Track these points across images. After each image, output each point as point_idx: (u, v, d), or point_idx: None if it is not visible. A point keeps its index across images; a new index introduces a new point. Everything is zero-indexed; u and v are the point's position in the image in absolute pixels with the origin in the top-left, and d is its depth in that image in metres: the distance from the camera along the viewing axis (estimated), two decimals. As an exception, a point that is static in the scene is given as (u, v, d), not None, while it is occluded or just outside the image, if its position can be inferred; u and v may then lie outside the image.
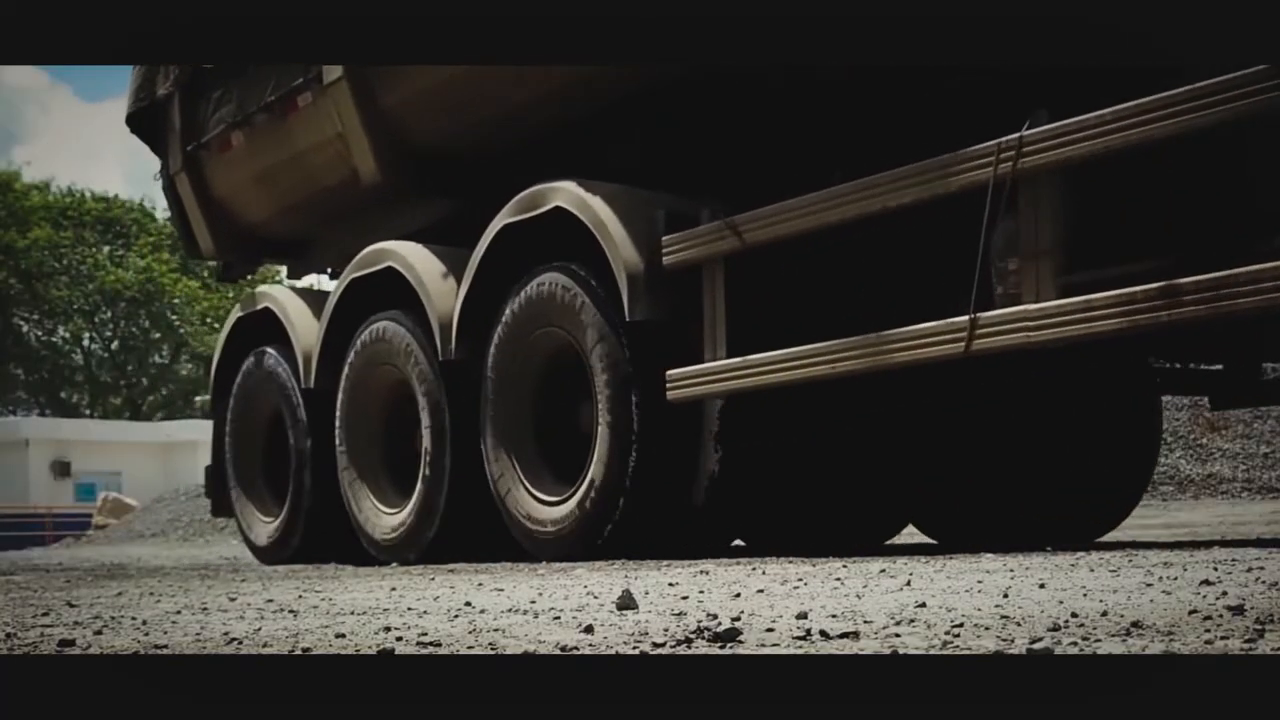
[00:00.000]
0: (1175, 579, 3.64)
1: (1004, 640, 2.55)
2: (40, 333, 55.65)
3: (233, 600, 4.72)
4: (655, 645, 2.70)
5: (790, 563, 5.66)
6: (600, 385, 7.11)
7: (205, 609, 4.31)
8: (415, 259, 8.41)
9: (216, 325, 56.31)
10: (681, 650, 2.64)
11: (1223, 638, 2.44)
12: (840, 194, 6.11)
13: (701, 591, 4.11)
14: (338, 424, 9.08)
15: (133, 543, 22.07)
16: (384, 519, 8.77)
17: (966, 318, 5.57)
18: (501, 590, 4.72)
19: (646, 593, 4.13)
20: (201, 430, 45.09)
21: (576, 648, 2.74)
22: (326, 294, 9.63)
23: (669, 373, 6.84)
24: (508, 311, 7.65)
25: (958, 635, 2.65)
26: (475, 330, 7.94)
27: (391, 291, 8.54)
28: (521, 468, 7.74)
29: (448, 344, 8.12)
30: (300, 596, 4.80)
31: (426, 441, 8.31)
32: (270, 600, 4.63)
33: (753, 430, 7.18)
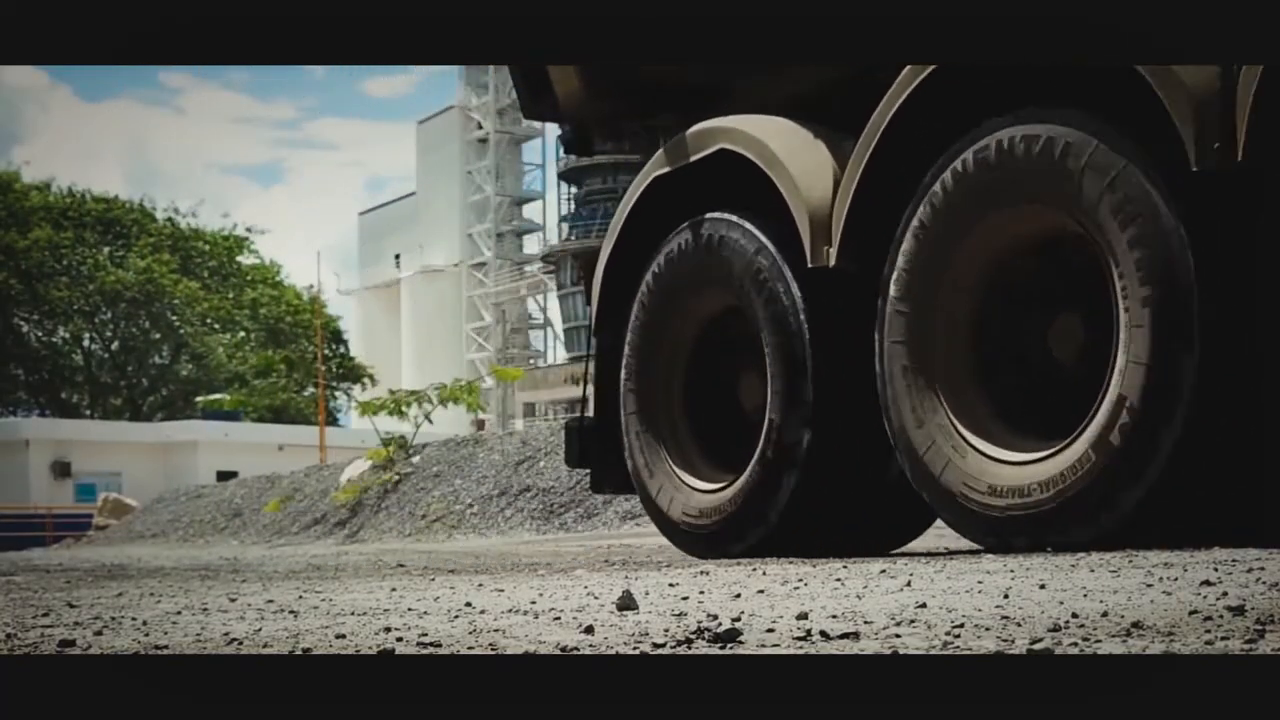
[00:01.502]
0: (1175, 579, 3.64)
1: (1004, 641, 2.55)
2: (40, 333, 55.73)
3: (233, 601, 4.72)
4: (655, 646, 2.70)
5: (790, 563, 5.66)
6: None
7: (205, 609, 4.30)
8: None
9: (216, 326, 56.50)
10: (681, 651, 2.64)
11: (1223, 638, 2.44)
12: None
13: (702, 592, 4.11)
14: (888, 321, 5.87)
15: (133, 543, 22.07)
16: (1009, 475, 5.45)
17: None
18: (502, 591, 4.72)
19: (647, 593, 4.13)
20: (201, 431, 45.36)
21: (577, 648, 2.74)
22: (839, 132, 6.35)
23: None
24: None
25: (958, 636, 2.65)
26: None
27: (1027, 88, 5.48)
28: None
29: (1210, 147, 4.84)
30: (300, 597, 4.80)
31: (1139, 339, 5.01)
32: (270, 601, 4.63)
33: None
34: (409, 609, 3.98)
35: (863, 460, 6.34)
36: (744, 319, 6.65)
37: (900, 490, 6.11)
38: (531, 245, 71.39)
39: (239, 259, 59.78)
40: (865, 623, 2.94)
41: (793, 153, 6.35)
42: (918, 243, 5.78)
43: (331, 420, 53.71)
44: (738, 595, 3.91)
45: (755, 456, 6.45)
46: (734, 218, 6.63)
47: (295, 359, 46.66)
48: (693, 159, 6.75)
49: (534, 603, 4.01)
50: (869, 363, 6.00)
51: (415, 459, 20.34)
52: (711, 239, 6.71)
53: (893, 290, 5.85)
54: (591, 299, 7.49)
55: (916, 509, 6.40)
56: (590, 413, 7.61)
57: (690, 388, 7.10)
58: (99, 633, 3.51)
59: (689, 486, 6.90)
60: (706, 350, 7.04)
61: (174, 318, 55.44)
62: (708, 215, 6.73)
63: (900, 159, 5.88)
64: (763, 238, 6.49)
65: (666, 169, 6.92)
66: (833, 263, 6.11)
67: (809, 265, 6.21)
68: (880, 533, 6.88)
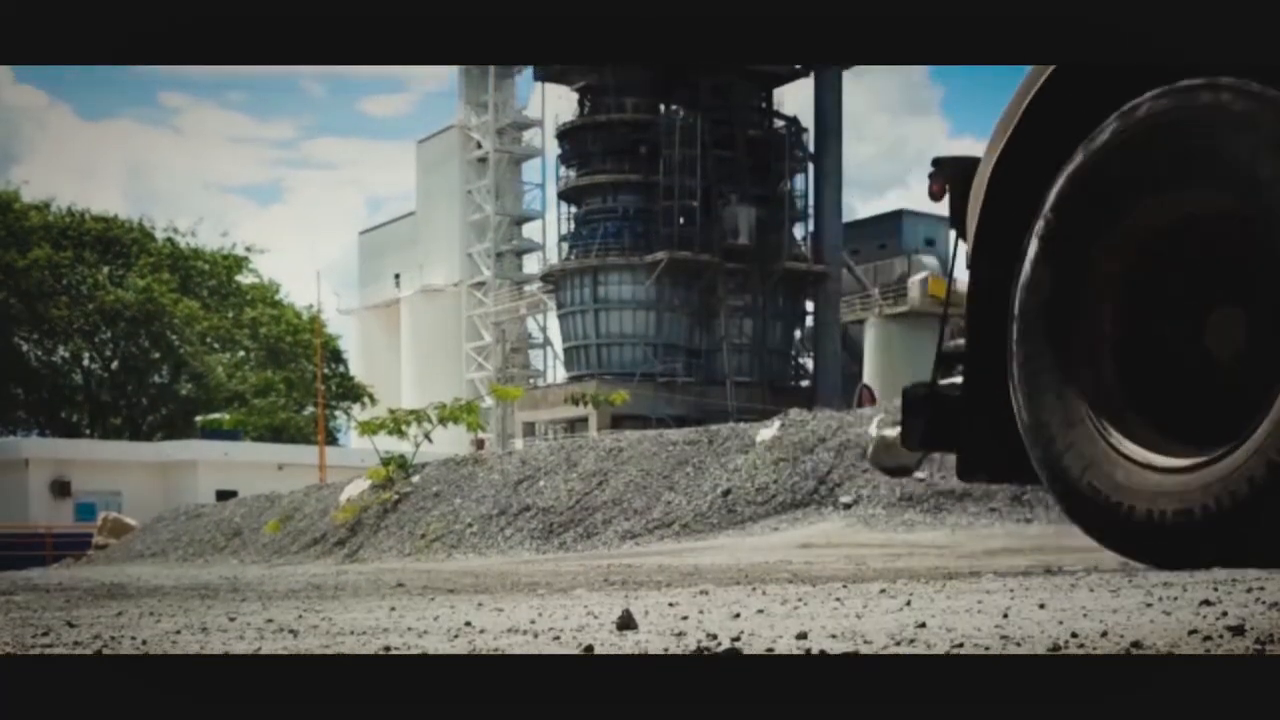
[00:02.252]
0: (1175, 599, 3.64)
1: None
2: (40, 353, 55.77)
3: (232, 620, 4.71)
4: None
5: (790, 582, 5.66)
6: None
7: (205, 629, 4.30)
8: None
9: (216, 345, 56.57)
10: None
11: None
12: None
13: (701, 612, 4.11)
14: None
15: (132, 562, 22.05)
16: None
17: None
18: (501, 610, 4.71)
19: (646, 613, 4.13)
20: (200, 450, 45.39)
21: (576, 667, 2.74)
22: None
23: None
24: None
25: (957, 655, 2.65)
26: None
27: None
28: None
29: None
30: (300, 616, 4.79)
31: None
32: (270, 620, 4.63)
33: None
34: (408, 628, 3.98)
35: None
36: (1231, 230, 4.80)
37: None
38: (531, 265, 71.54)
39: (238, 278, 59.88)
40: (865, 642, 2.94)
41: None
42: None
43: (331, 440, 53.70)
44: (737, 615, 3.91)
45: (1274, 420, 4.47)
46: (1231, 80, 4.57)
47: (295, 378, 46.71)
48: None
49: (533, 622, 4.00)
50: None
51: (415, 478, 20.34)
52: (1182, 117, 4.70)
53: None
54: (967, 219, 5.47)
55: None
56: (947, 374, 5.69)
57: (1128, 329, 5.16)
58: (98, 652, 3.51)
59: (1140, 465, 4.92)
60: (1153, 278, 5.11)
61: (173, 337, 55.46)
62: (1178, 84, 4.71)
63: None
64: None
65: None
66: None
67: None
68: None
